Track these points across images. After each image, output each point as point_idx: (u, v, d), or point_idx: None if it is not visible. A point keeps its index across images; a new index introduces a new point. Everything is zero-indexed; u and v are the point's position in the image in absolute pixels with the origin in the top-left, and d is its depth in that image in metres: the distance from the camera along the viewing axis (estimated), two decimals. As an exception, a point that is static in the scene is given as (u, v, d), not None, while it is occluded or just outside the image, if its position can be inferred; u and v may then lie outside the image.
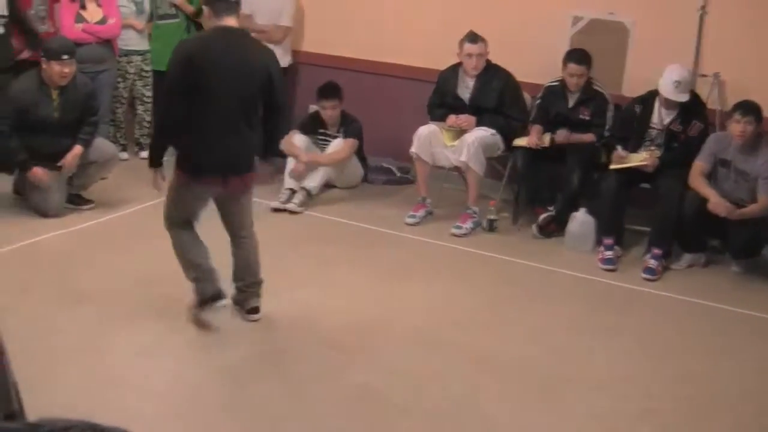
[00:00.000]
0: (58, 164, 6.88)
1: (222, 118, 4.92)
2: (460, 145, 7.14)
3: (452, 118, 7.27)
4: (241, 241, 5.33)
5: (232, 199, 5.23)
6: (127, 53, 8.39)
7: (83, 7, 7.92)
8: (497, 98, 7.26)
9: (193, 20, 8.52)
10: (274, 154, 5.66)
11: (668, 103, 6.82)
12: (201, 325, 5.22)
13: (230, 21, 4.95)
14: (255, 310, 5.36)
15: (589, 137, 7.14)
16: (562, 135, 7.16)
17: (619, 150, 6.91)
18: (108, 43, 8.09)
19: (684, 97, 6.75)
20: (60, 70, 6.76)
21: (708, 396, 4.87)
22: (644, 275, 6.52)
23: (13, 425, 0.92)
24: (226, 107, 4.91)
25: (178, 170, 5.07)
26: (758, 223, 6.48)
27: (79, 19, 7.89)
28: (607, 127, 7.14)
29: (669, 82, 6.74)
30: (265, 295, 5.53)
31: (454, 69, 7.47)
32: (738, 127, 6.48)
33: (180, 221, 5.23)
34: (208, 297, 5.18)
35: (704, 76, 7.20)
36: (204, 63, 4.85)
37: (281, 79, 5.24)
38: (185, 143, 5.01)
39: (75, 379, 4.59)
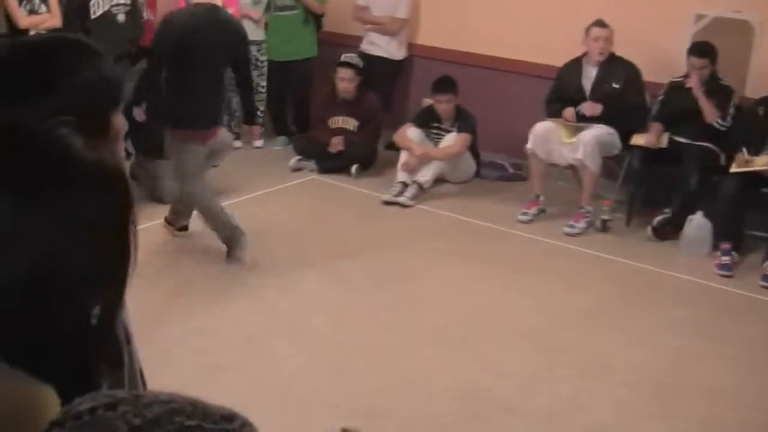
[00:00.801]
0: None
1: (207, 81, 5.89)
2: (576, 142, 7.02)
3: (569, 112, 7.14)
4: None
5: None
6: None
7: (202, -2, 8.00)
8: (621, 86, 7.12)
9: (312, 13, 8.57)
10: (253, 111, 6.98)
11: (794, 105, 6.62)
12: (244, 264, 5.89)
13: None
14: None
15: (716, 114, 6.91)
16: (693, 81, 6.95)
17: (744, 153, 6.72)
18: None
19: None
20: None
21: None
22: (762, 283, 6.33)
23: (120, 394, 0.94)
24: (210, 72, 5.94)
25: (175, 129, 5.92)
26: None
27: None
28: (728, 117, 6.92)
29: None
30: (372, 288, 5.54)
31: (577, 61, 7.35)
32: None
33: (199, 180, 6.05)
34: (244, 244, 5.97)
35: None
36: (192, 36, 5.76)
37: (247, 48, 6.57)
38: (178, 104, 5.86)
39: (184, 363, 4.66)
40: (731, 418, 4.55)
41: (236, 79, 6.48)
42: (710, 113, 6.90)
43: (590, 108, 7.12)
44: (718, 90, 6.97)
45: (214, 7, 5.96)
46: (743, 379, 4.96)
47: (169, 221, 6.45)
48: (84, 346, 1.26)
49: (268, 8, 8.61)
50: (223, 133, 7.34)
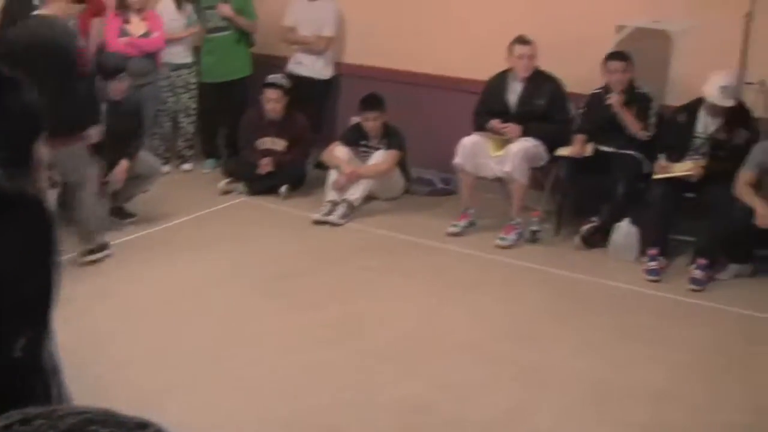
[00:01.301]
0: (104, 179, 6.91)
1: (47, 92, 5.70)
2: (504, 155, 7.08)
3: (496, 122, 7.20)
4: None
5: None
6: (177, 67, 8.48)
7: (127, 21, 7.99)
8: (546, 103, 7.23)
9: (244, 32, 8.57)
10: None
11: (713, 111, 6.76)
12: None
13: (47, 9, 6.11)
14: None
15: (638, 126, 7.02)
16: (614, 98, 7.05)
17: (662, 160, 6.86)
18: (151, 56, 8.14)
19: (730, 102, 6.69)
20: (119, 87, 6.87)
21: None
22: (690, 286, 6.45)
23: (34, 410, 0.94)
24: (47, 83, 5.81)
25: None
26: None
27: (123, 33, 7.96)
28: (650, 126, 7.03)
29: (715, 88, 6.68)
30: (311, 308, 5.56)
31: (502, 75, 7.45)
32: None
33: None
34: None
35: (750, 83, 7.11)
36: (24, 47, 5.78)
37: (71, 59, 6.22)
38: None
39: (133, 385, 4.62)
40: (673, 421, 4.64)
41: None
42: (633, 125, 7.03)
43: (513, 131, 7.19)
44: (637, 99, 7.09)
45: (44, 22, 6.09)
46: (681, 381, 5.06)
47: (88, 251, 6.42)
48: (8, 379, 1.24)
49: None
50: (150, 159, 7.34)
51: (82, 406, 0.97)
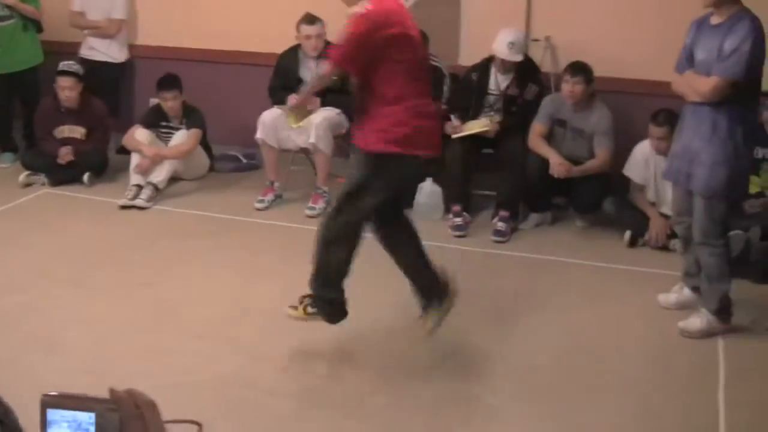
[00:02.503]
0: None
1: None
2: (306, 126, 7.13)
3: (293, 98, 7.23)
4: None
5: None
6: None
7: None
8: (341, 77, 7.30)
9: (30, 18, 8.33)
10: None
11: (504, 67, 7.01)
12: None
13: None
14: None
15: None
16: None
17: (453, 120, 7.09)
18: None
19: (519, 57, 6.95)
20: None
21: (584, 345, 5.11)
22: (494, 238, 6.70)
23: None
24: None
25: None
26: (598, 178, 6.75)
27: None
28: (444, 99, 7.24)
29: (503, 44, 6.92)
30: (126, 293, 5.52)
31: (294, 51, 7.50)
32: (567, 87, 6.75)
33: None
34: None
35: (536, 40, 7.41)
36: None
37: None
38: None
39: None
40: (481, 369, 4.82)
41: None
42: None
43: (314, 102, 7.19)
44: (431, 70, 7.24)
45: None
46: (490, 332, 5.27)
47: None
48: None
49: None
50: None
51: None
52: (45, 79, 8.26)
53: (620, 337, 5.25)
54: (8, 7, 8.23)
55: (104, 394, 1.44)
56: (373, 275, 5.23)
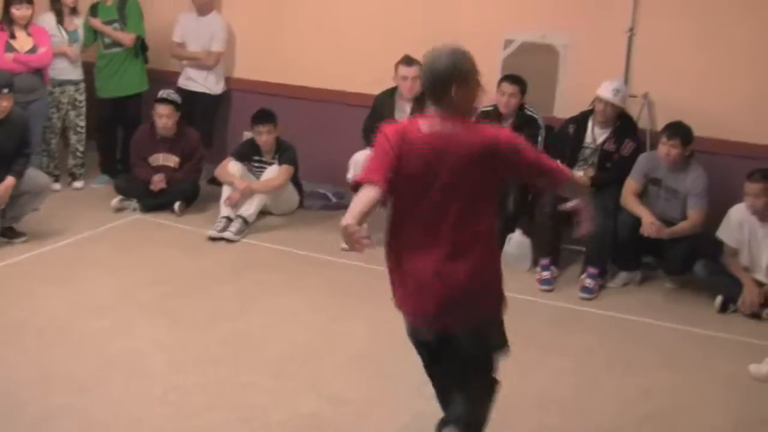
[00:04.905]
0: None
1: None
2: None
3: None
4: None
5: None
6: (61, 83, 8.33)
7: (13, 36, 7.84)
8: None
9: (140, 47, 8.56)
10: None
11: (605, 116, 6.93)
12: None
13: None
14: None
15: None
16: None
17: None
18: (39, 72, 8.00)
19: (622, 103, 6.90)
20: (2, 104, 6.72)
21: (664, 411, 4.97)
22: (581, 294, 6.60)
23: None
24: None
25: None
26: (690, 240, 6.62)
27: (9, 48, 7.80)
28: (537, 151, 7.15)
29: (608, 89, 6.88)
30: (207, 324, 5.54)
31: (391, 93, 7.50)
32: (663, 149, 6.65)
33: None
34: None
35: (634, 96, 7.31)
36: None
37: None
38: None
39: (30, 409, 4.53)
40: (560, 426, 4.72)
41: None
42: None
43: None
44: (526, 120, 7.21)
45: None
46: (570, 388, 5.17)
47: None
48: None
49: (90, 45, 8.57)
50: (38, 176, 7.20)
51: None
52: (146, 106, 8.39)
53: (704, 407, 5.07)
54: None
55: (179, 427, 1.41)
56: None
